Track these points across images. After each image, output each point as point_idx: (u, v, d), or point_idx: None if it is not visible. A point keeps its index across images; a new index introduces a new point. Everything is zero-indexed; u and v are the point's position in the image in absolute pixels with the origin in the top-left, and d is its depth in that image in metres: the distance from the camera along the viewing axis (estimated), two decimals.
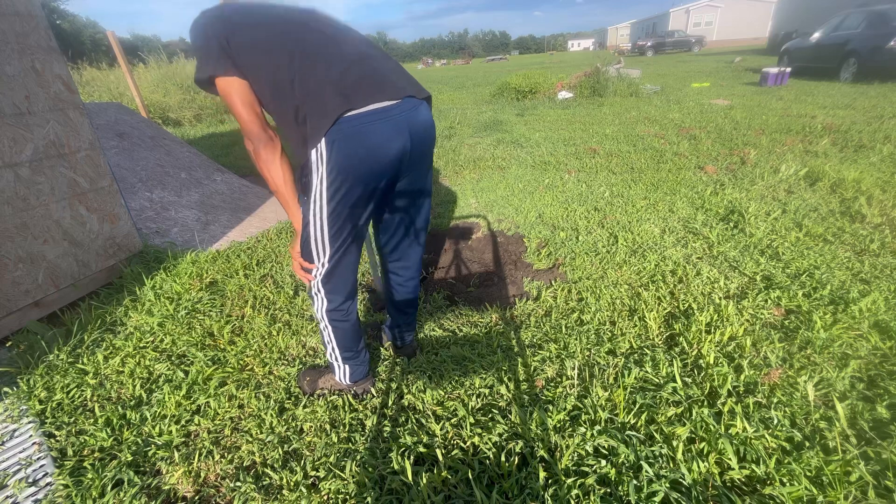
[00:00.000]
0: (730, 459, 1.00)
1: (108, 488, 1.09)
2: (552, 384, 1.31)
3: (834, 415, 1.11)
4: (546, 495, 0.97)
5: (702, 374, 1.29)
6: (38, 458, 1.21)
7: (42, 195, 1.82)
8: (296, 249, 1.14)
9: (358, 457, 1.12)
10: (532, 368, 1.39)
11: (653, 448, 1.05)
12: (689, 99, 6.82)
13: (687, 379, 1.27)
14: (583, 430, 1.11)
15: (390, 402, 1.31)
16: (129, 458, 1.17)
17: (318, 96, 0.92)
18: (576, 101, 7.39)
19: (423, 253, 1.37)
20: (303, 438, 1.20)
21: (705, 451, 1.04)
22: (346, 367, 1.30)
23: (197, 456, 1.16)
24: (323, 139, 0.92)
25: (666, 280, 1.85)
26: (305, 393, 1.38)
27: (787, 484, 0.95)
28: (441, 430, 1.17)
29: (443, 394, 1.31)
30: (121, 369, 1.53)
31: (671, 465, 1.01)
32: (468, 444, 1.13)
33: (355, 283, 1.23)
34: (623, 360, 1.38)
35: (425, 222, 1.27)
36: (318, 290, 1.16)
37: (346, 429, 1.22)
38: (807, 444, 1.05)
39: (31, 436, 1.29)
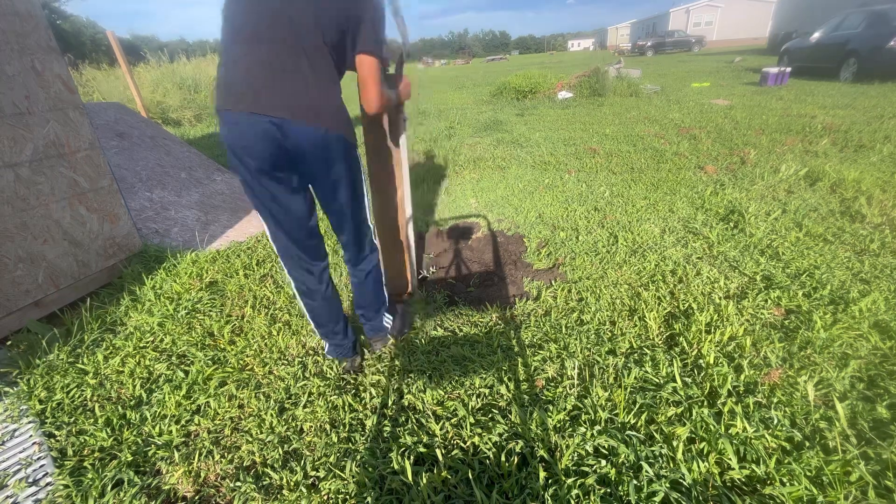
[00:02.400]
0: (730, 459, 1.00)
1: (108, 488, 1.09)
2: (552, 384, 1.31)
3: (834, 415, 1.11)
4: (546, 495, 0.97)
5: (702, 374, 1.29)
6: (39, 458, 1.21)
7: (42, 195, 1.82)
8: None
9: (358, 457, 1.12)
10: (532, 368, 1.39)
11: (653, 448, 1.05)
12: (689, 99, 6.81)
13: (687, 379, 1.27)
14: (583, 430, 1.11)
15: (390, 402, 1.31)
16: (129, 458, 1.17)
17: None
18: (576, 101, 7.38)
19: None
20: (303, 438, 1.20)
21: (705, 451, 1.04)
22: (325, 342, 1.48)
23: (197, 456, 1.16)
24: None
25: (666, 280, 1.85)
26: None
27: (787, 484, 0.95)
28: (441, 430, 1.17)
29: (443, 394, 1.31)
30: (121, 369, 1.53)
31: (671, 465, 1.01)
32: (468, 444, 1.13)
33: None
34: (623, 360, 1.38)
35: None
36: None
37: (346, 429, 1.22)
38: (807, 444, 1.05)
39: (31, 436, 1.29)
